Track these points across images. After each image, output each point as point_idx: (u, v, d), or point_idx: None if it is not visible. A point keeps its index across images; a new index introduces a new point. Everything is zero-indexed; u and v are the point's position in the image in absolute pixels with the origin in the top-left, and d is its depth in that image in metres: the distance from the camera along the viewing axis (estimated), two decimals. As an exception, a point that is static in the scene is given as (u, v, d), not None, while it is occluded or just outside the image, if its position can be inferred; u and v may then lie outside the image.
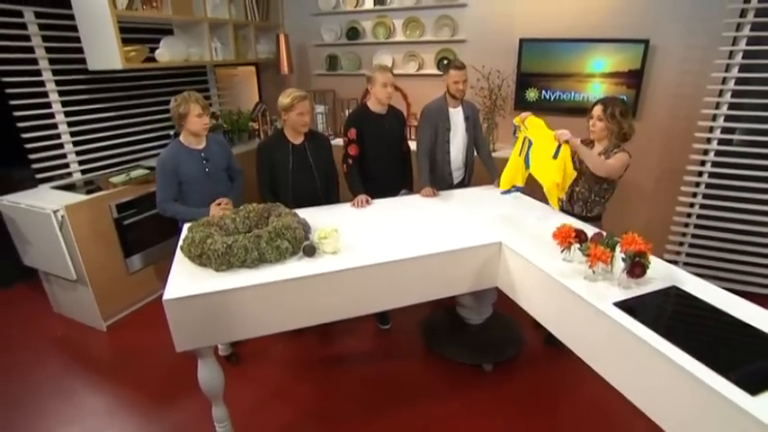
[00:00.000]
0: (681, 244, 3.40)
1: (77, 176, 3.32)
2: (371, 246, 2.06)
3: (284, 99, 2.48)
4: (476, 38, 3.80)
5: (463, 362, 2.61)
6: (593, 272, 1.71)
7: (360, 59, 4.35)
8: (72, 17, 2.96)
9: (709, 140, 3.17)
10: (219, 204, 2.41)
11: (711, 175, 3.20)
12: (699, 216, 3.29)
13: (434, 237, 2.15)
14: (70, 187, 3.05)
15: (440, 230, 2.24)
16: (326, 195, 2.72)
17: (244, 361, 2.67)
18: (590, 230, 2.10)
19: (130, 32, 3.22)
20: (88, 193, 2.91)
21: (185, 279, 1.78)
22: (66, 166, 3.32)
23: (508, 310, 2.68)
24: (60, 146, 3.27)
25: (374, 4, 4.08)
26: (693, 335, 1.41)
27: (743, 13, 2.93)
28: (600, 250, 1.66)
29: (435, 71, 4.02)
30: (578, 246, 1.76)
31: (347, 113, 4.40)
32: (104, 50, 2.96)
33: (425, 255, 1.97)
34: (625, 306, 1.55)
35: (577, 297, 1.65)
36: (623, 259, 1.67)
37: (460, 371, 2.58)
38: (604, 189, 2.40)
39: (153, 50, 3.33)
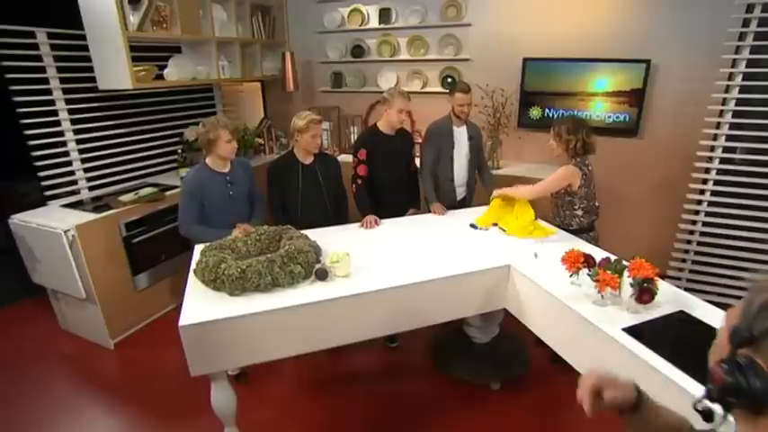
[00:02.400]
0: (683, 261, 3.43)
1: (85, 194, 3.35)
2: (382, 269, 2.09)
3: (299, 121, 2.53)
4: (480, 57, 3.87)
5: (470, 380, 2.62)
6: (602, 297, 1.74)
7: (364, 77, 4.41)
8: (84, 38, 3.02)
9: (710, 159, 3.21)
10: (239, 228, 2.41)
11: (714, 193, 3.24)
12: (702, 234, 3.32)
13: (444, 259, 2.18)
14: (78, 205, 3.07)
15: (449, 252, 2.27)
16: (336, 215, 2.76)
17: (253, 380, 2.68)
18: (585, 246, 2.18)
19: (139, 51, 3.26)
20: (96, 210, 2.94)
21: (200, 304, 1.80)
22: (75, 183, 3.35)
23: (514, 329, 2.70)
24: (69, 163, 3.30)
25: (379, 23, 4.15)
26: (702, 362, 1.43)
27: (741, 37, 2.99)
28: (608, 276, 1.69)
29: (440, 89, 4.07)
30: (587, 271, 1.79)
31: (352, 130, 4.46)
32: (115, 71, 3.01)
33: (437, 278, 2.00)
34: (634, 332, 1.58)
35: (587, 322, 1.68)
36: (631, 284, 1.70)
37: (468, 389, 2.59)
38: (567, 201, 2.48)
39: (161, 68, 3.38)
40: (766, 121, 2.99)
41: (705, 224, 3.30)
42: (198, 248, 2.23)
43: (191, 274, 2.03)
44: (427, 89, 4.16)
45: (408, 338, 3.02)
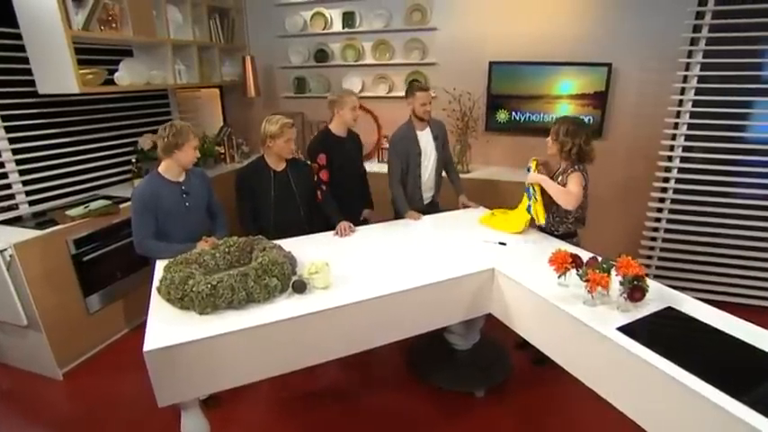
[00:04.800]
0: (650, 257, 3.54)
1: (25, 209, 3.03)
2: (363, 278, 1.98)
3: (271, 126, 2.40)
4: (446, 61, 3.86)
5: (454, 389, 2.54)
6: (592, 297, 1.71)
7: (329, 82, 4.30)
8: (19, 36, 2.74)
9: (670, 158, 3.34)
10: (207, 242, 2.22)
11: (676, 191, 3.37)
12: (666, 230, 3.45)
13: (426, 265, 2.09)
14: (17, 221, 2.77)
15: (430, 258, 2.19)
16: (309, 223, 2.63)
17: (224, 402, 2.48)
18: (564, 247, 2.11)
19: (85, 53, 3.02)
20: (39, 227, 2.65)
21: (166, 326, 1.62)
22: (12, 197, 3.02)
23: (494, 333, 2.67)
24: (5, 175, 2.97)
25: (343, 27, 4.06)
26: (699, 357, 1.42)
27: (693, 42, 3.14)
28: (598, 275, 1.66)
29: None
30: (577, 271, 1.76)
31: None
32: (58, 73, 2.75)
33: (422, 285, 1.91)
34: (628, 330, 1.55)
35: (580, 323, 1.64)
36: (621, 283, 1.68)
37: (451, 398, 2.51)
38: (564, 210, 2.42)
39: (111, 73, 3.13)
40: (721, 121, 3.14)
41: (669, 221, 3.43)
42: (161, 264, 2.03)
43: (153, 292, 1.84)
44: (393, 94, 4.11)
45: (385, 347, 2.90)
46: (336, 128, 2.78)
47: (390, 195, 2.92)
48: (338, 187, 2.78)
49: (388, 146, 2.96)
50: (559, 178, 2.39)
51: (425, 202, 3.00)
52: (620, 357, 1.50)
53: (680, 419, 1.35)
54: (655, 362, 1.40)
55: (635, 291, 1.62)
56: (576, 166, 2.35)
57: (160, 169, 2.28)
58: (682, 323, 1.62)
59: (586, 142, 2.32)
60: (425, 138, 2.87)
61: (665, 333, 1.57)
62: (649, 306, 1.71)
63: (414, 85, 2.83)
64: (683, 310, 1.69)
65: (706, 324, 1.60)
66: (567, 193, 2.28)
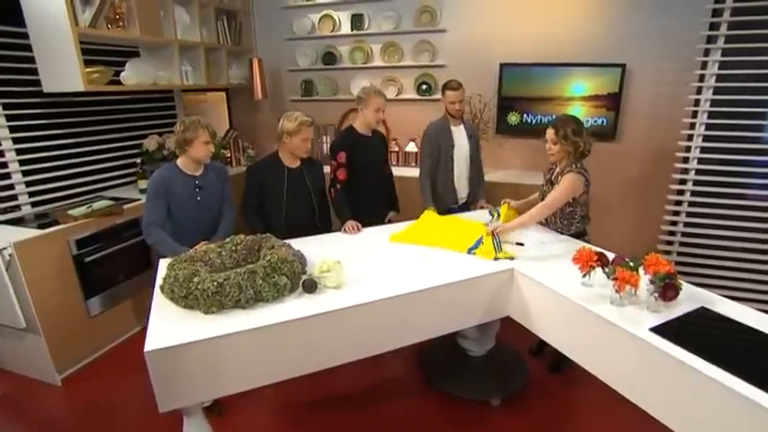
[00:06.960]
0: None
1: (27, 210, 2.96)
2: (376, 278, 1.89)
3: (289, 123, 2.37)
4: (456, 62, 3.80)
5: (468, 397, 2.43)
6: (621, 296, 1.61)
7: (337, 84, 4.25)
8: (25, 35, 2.70)
9: (687, 160, 3.25)
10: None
11: (694, 193, 3.28)
12: (683, 234, 3.35)
13: (443, 265, 2.01)
14: (19, 221, 2.70)
15: (447, 258, 2.10)
16: (322, 221, 2.57)
17: (228, 410, 2.37)
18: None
19: (92, 54, 2.98)
20: (41, 227, 2.58)
21: (169, 325, 1.53)
22: (15, 198, 2.95)
23: (508, 339, 2.56)
24: (7, 175, 2.91)
25: (351, 29, 4.02)
26: (742, 359, 1.32)
27: (710, 40, 3.07)
28: (628, 273, 1.57)
29: (415, 96, 3.98)
30: (603, 270, 1.67)
31: (324, 140, 4.27)
32: (64, 71, 2.70)
33: (438, 286, 1.82)
34: (662, 331, 1.46)
35: (610, 324, 1.54)
36: (651, 281, 1.58)
37: (466, 407, 2.40)
38: (569, 212, 2.34)
39: (117, 74, 3.09)
40: (739, 121, 3.06)
41: (686, 224, 3.33)
42: (164, 263, 1.95)
43: (156, 291, 1.76)
44: (402, 96, 4.05)
45: (396, 352, 2.79)
46: (360, 127, 2.70)
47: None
48: (361, 187, 2.70)
49: (421, 138, 2.95)
50: (558, 179, 2.30)
51: (460, 202, 2.98)
52: (654, 360, 1.40)
53: (723, 425, 1.24)
54: (694, 364, 1.30)
55: (668, 289, 1.52)
56: (575, 165, 2.26)
57: (178, 161, 2.31)
58: (719, 324, 1.52)
59: (588, 136, 2.26)
60: (459, 133, 2.89)
61: (702, 334, 1.46)
62: (681, 306, 1.61)
63: (446, 84, 2.83)
64: (715, 310, 1.58)
65: (741, 323, 1.49)
66: (543, 208, 2.23)
